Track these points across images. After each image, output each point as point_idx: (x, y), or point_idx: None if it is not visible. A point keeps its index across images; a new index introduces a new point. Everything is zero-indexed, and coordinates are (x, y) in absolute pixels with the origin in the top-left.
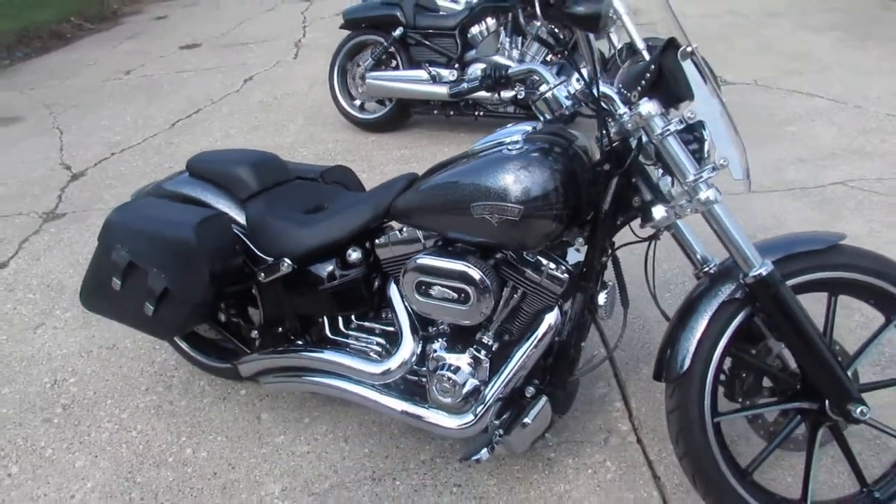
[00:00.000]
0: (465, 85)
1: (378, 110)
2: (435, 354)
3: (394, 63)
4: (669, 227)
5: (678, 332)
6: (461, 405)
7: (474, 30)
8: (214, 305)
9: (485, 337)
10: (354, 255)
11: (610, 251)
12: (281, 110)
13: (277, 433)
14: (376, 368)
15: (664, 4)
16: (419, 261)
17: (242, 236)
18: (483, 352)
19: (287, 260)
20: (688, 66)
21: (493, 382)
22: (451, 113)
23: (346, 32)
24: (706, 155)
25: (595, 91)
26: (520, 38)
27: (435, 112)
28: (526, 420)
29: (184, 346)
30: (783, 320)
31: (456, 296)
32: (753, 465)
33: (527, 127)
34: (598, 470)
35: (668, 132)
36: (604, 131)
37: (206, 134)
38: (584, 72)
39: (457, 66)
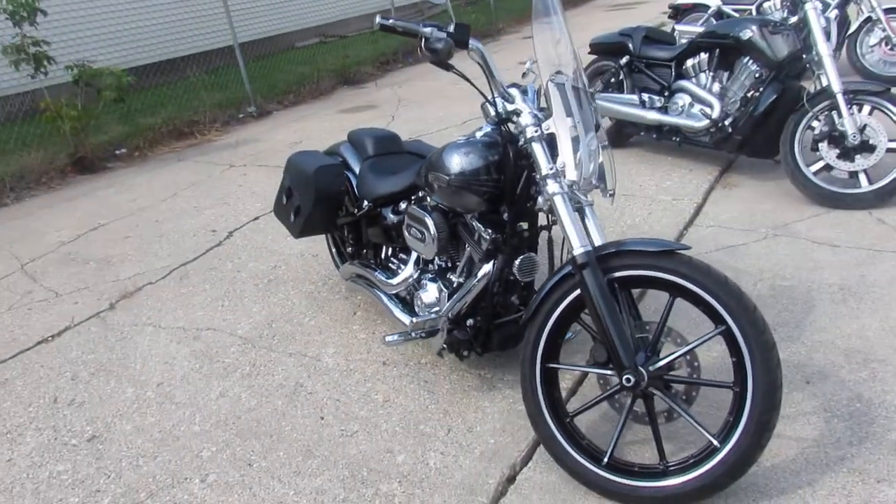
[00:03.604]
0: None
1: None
2: (422, 281)
3: (624, 86)
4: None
5: (539, 290)
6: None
7: (688, 63)
8: (327, 223)
9: (451, 275)
10: (403, 205)
11: (541, 228)
12: None
13: (356, 323)
14: (389, 282)
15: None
16: (408, 210)
17: (354, 183)
18: (446, 285)
19: (366, 201)
20: (552, 91)
21: (444, 307)
22: (655, 136)
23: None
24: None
25: (495, 108)
26: (725, 74)
27: (642, 134)
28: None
29: (333, 251)
30: (586, 297)
31: (420, 235)
32: (575, 412)
33: (489, 128)
34: (517, 402)
35: (532, 138)
36: (505, 135)
37: None
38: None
39: (666, 93)
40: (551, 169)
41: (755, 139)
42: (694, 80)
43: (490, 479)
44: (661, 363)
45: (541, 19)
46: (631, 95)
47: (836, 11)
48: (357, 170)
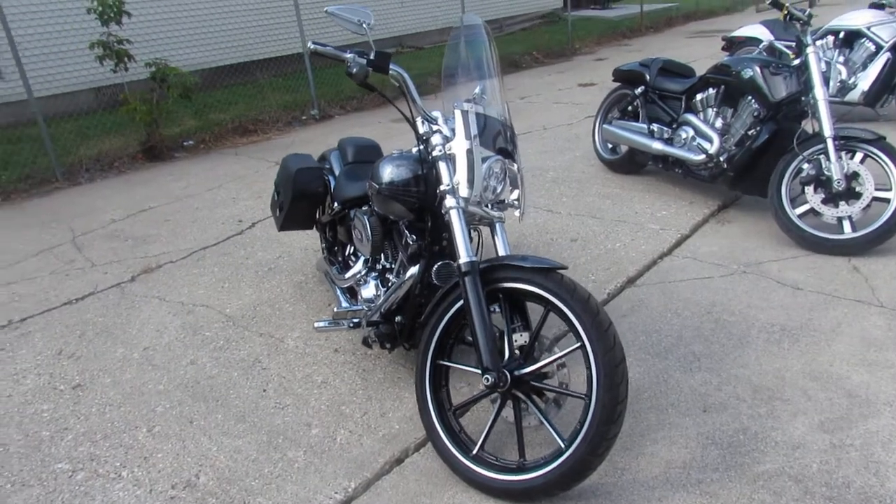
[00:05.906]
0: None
1: (620, 153)
2: (367, 278)
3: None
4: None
5: (437, 294)
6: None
7: (698, 97)
8: (304, 220)
9: (390, 275)
10: (363, 207)
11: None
12: (580, 142)
13: (327, 313)
14: (342, 276)
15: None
16: (356, 213)
17: (333, 186)
18: (384, 283)
19: (336, 203)
20: (458, 116)
21: (377, 302)
22: (661, 166)
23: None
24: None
25: (415, 129)
26: (730, 110)
27: (650, 163)
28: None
29: (323, 245)
30: (465, 301)
31: (360, 235)
32: (456, 408)
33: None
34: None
35: (436, 157)
36: (425, 153)
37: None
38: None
39: (674, 125)
40: (448, 185)
41: (747, 177)
42: (700, 114)
43: (381, 458)
44: (525, 370)
45: (466, 58)
46: (641, 124)
47: (888, 55)
48: (337, 174)
